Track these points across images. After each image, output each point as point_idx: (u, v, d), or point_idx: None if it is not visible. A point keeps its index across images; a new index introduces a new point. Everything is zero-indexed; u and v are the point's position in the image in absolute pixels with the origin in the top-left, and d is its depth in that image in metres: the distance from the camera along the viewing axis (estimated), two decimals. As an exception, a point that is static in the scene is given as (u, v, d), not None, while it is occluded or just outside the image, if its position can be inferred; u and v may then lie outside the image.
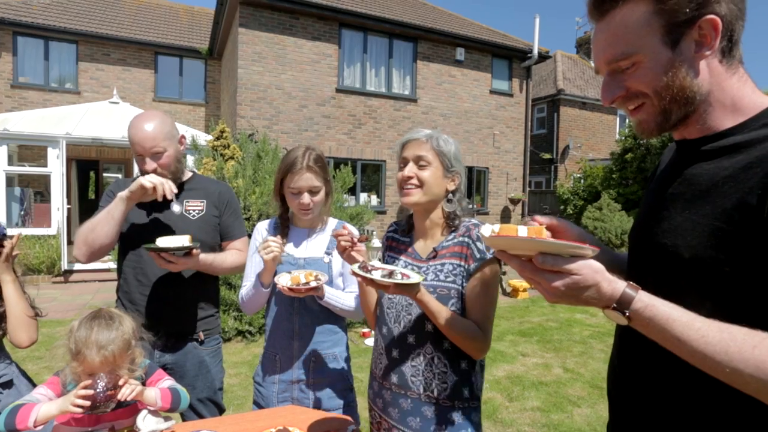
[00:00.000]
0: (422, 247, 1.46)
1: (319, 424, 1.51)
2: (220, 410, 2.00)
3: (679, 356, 0.72)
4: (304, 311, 1.72)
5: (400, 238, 1.56)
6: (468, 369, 1.37)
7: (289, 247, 1.79)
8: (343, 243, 1.44)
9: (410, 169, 1.39)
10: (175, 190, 1.74)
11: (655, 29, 0.80)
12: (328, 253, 1.79)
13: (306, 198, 1.69)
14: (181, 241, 1.63)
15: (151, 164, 1.78)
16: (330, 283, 1.73)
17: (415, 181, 1.39)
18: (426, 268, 1.40)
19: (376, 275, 1.22)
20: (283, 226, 1.80)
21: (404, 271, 1.29)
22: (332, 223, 1.87)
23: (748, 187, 0.74)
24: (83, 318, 1.41)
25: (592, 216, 11.28)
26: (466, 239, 1.37)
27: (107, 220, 1.72)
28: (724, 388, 0.73)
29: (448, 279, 1.35)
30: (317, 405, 1.72)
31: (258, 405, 1.80)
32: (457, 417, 1.34)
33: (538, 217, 0.93)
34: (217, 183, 2.05)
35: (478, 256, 1.33)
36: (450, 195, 1.42)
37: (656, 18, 0.79)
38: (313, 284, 1.56)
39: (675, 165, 0.92)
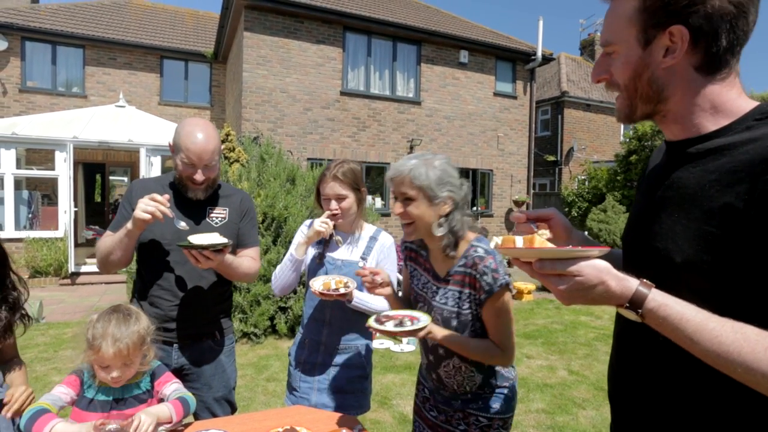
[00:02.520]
0: (438, 265, 1.56)
1: (327, 423, 1.53)
2: (233, 409, 2.02)
3: (692, 354, 0.73)
4: (336, 305, 1.89)
5: (417, 249, 1.66)
6: (494, 366, 1.56)
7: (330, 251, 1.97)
8: (367, 285, 1.61)
9: (399, 207, 1.48)
10: (169, 213, 1.65)
11: (634, 26, 0.84)
12: (363, 258, 1.93)
13: (333, 204, 1.87)
14: (215, 238, 1.63)
15: (201, 176, 1.78)
16: (361, 287, 1.82)
17: (407, 217, 1.47)
18: (445, 291, 1.52)
19: (389, 326, 1.38)
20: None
21: (413, 314, 1.47)
22: (369, 229, 2.02)
23: (735, 192, 0.75)
24: (102, 312, 1.47)
25: (596, 218, 11.27)
26: (473, 272, 1.44)
27: (120, 247, 1.74)
28: (723, 386, 0.74)
29: (464, 307, 1.47)
30: (333, 386, 1.89)
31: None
32: (486, 398, 1.55)
33: (518, 215, 1.01)
34: (237, 190, 2.05)
35: (486, 288, 1.42)
36: (441, 219, 1.45)
37: (638, 16, 0.83)
38: (342, 291, 1.72)
39: (663, 168, 0.94)
